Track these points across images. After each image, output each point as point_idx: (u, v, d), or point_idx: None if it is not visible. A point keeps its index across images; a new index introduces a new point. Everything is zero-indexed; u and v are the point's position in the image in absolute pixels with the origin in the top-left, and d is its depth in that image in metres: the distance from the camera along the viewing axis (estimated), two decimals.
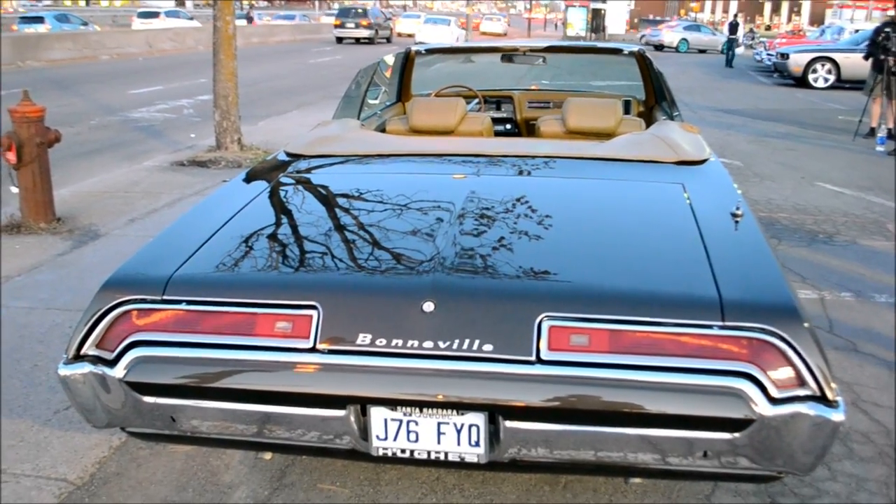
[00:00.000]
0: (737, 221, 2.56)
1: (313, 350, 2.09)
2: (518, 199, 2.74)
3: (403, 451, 2.17)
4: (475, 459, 2.16)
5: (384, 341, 2.07)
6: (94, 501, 2.69)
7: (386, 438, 2.16)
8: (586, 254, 2.42)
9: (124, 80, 16.72)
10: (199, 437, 2.30)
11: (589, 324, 2.06)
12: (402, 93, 5.38)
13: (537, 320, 2.06)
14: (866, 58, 10.78)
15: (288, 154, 3.37)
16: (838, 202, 7.13)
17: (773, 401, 1.94)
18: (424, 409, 2.12)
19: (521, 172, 3.08)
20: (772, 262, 2.33)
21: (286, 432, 2.20)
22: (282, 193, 2.95)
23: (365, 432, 2.16)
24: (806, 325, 2.01)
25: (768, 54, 22.28)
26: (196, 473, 2.86)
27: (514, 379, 2.04)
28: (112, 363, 2.17)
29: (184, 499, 2.72)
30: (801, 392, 1.96)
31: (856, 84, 16.34)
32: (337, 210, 2.76)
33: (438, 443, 2.15)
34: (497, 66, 6.08)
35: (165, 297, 2.19)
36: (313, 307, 2.12)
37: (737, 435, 2.00)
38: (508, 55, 5.11)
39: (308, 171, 3.18)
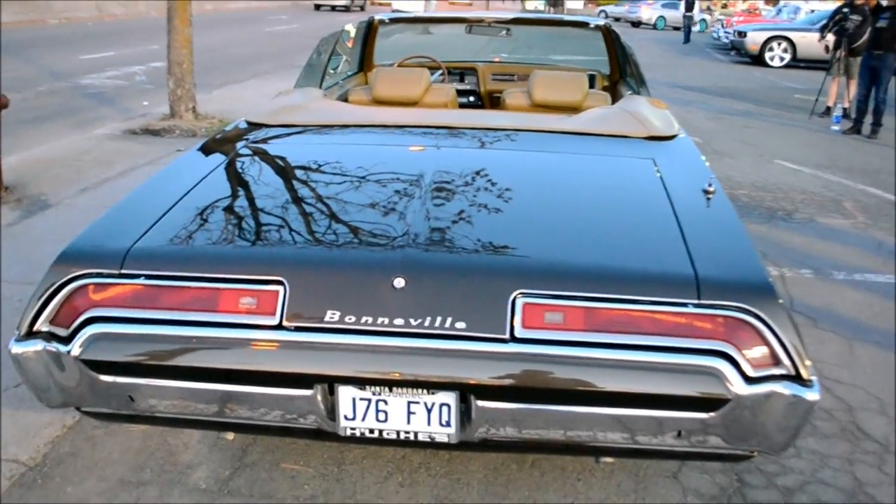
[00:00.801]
0: (709, 198, 2.53)
1: (279, 327, 2.01)
2: (487, 174, 2.67)
3: (372, 431, 2.11)
4: (445, 439, 2.11)
5: (353, 318, 2.00)
6: (47, 482, 2.59)
7: (354, 418, 2.10)
8: (559, 230, 2.37)
9: (74, 45, 16.18)
10: (158, 417, 2.21)
11: (563, 301, 2.01)
12: (365, 63, 5.26)
13: (511, 297, 2.00)
14: (820, 38, 10.91)
15: (249, 123, 3.25)
16: (796, 180, 7.20)
17: (749, 380, 1.92)
18: (394, 389, 2.06)
19: (488, 146, 3.01)
20: (745, 239, 2.30)
21: (249, 412, 2.12)
22: (243, 164, 2.84)
23: (332, 412, 2.09)
24: (780, 302, 1.99)
25: (725, 32, 22.41)
26: (154, 453, 2.77)
27: (487, 357, 1.99)
28: (67, 340, 2.06)
29: (141, 479, 2.63)
30: (777, 371, 1.94)
31: (811, 63, 16.55)
32: (302, 182, 2.67)
33: (408, 423, 2.10)
34: (456, 38, 5.98)
35: (124, 271, 2.09)
36: (279, 282, 2.04)
37: (712, 414, 1.98)
38: (473, 26, 5.02)
39: (270, 140, 3.06)
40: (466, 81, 5.38)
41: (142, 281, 2.08)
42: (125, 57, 14.32)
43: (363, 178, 2.63)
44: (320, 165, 2.78)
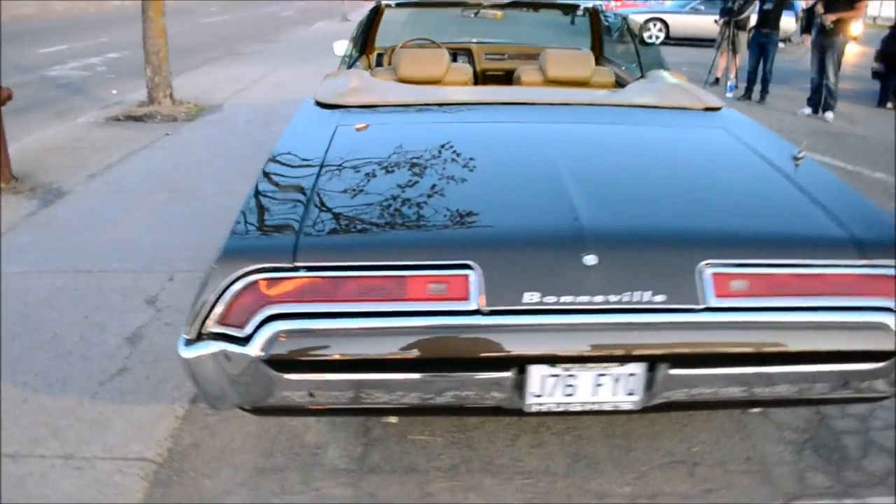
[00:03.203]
0: (800, 164, 2.30)
1: (476, 312, 1.67)
2: (606, 147, 2.36)
3: (558, 405, 1.81)
4: (630, 407, 1.84)
5: (552, 298, 1.68)
6: (183, 478, 2.17)
7: (541, 395, 1.79)
8: (711, 199, 2.07)
9: (28, 40, 14.52)
10: (335, 409, 1.84)
11: (746, 269, 1.76)
12: (368, 46, 4.80)
13: (698, 267, 1.73)
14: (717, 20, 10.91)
15: (321, 104, 2.81)
16: None
17: None
18: (585, 363, 1.75)
19: (575, 120, 2.67)
20: (868, 201, 2.11)
21: (432, 396, 1.78)
22: (361, 146, 2.36)
23: (520, 390, 1.77)
24: None
25: (605, 16, 22.42)
26: (276, 436, 2.37)
27: (684, 328, 1.72)
28: (245, 340, 1.66)
29: (276, 465, 2.24)
30: None
31: (680, 41, 16.71)
32: (441, 163, 2.24)
33: (594, 394, 1.80)
34: (440, 23, 5.59)
35: (298, 264, 1.68)
36: (468, 266, 1.69)
37: (881, 365, 1.79)
38: (472, 8, 4.64)
39: (371, 122, 2.59)
40: (460, 61, 5.00)
41: (320, 273, 1.68)
42: (80, 50, 12.99)
43: (495, 156, 2.26)
44: (443, 145, 2.36)
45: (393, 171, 2.14)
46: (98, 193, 4.77)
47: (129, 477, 2.13)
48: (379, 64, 4.64)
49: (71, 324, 3.00)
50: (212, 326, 1.68)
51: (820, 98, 8.12)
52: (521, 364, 1.73)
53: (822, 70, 7.98)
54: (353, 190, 1.98)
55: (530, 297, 1.68)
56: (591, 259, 1.71)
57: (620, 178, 2.11)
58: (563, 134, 2.44)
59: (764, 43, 9.09)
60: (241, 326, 1.67)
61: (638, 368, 1.77)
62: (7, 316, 3.04)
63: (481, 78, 4.98)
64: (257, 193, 2.03)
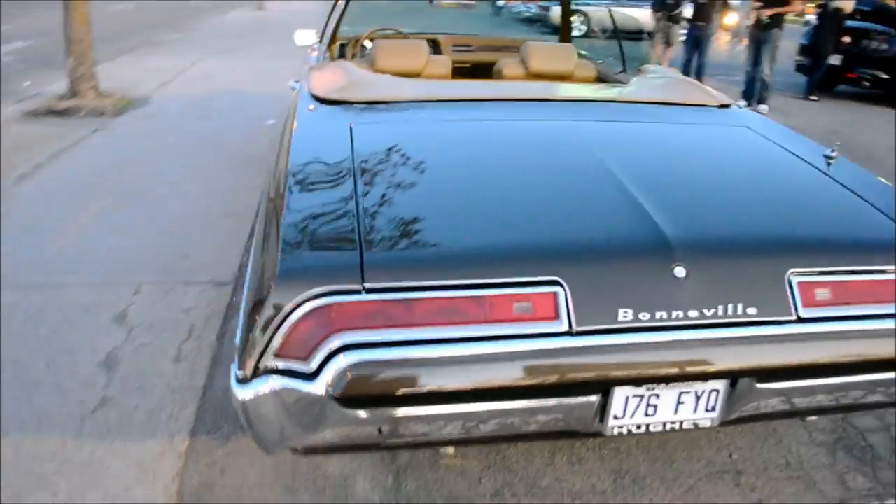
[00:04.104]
0: (830, 163, 2.26)
1: (568, 333, 1.52)
2: (650, 147, 2.23)
3: (639, 426, 1.68)
4: (708, 424, 1.73)
5: (646, 315, 1.54)
6: None
7: (623, 416, 1.66)
8: (782, 203, 1.95)
9: None
10: (399, 444, 1.64)
11: (833, 276, 1.68)
12: (333, 37, 4.54)
13: (787, 276, 1.64)
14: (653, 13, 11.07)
15: (321, 100, 2.56)
16: None
17: None
18: (670, 382, 1.63)
19: (592, 118, 2.52)
20: None
21: (509, 425, 1.62)
22: (394, 147, 2.12)
23: (603, 412, 1.64)
24: None
25: (527, 7, 22.54)
26: (295, 469, 2.14)
27: (777, 340, 1.62)
28: (311, 375, 1.44)
29: (303, 499, 2.03)
30: None
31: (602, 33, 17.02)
32: (489, 165, 2.04)
33: (675, 413, 1.68)
34: (398, 15, 5.40)
35: (367, 286, 1.48)
36: (556, 283, 1.53)
37: None
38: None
39: (383, 119, 2.37)
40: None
41: (391, 295, 1.48)
42: None
43: (537, 156, 2.10)
44: (481, 145, 2.17)
45: (438, 176, 1.94)
46: (33, 197, 4.32)
47: None
48: (342, 55, 4.39)
49: (32, 349, 2.65)
50: (269, 361, 1.45)
51: (754, 91, 8.35)
52: (609, 386, 1.59)
53: (756, 63, 8.21)
54: (405, 198, 1.77)
55: (624, 315, 1.54)
56: (681, 271, 1.58)
57: (680, 182, 1.98)
58: (597, 133, 2.30)
59: (699, 36, 9.28)
60: (304, 359, 1.45)
61: (720, 384, 1.66)
62: None
63: (453, 71, 4.80)
64: (295, 205, 1.75)
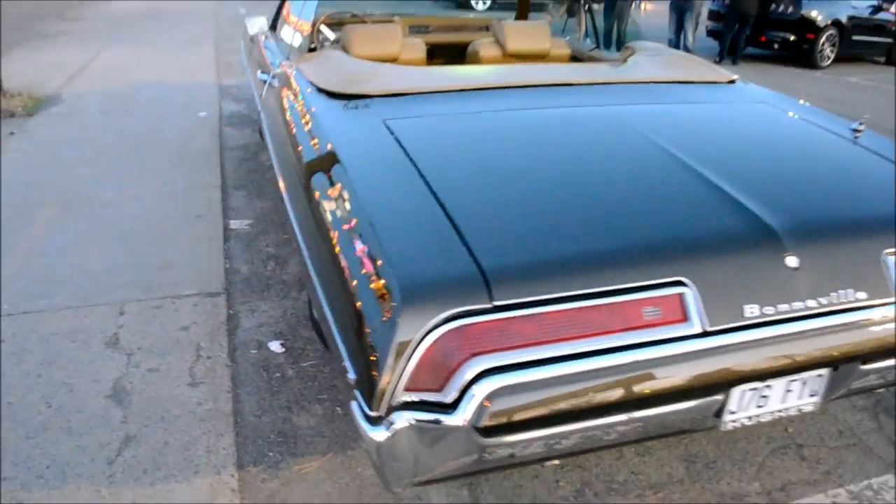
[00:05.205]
0: (856, 138, 2.29)
1: (704, 334, 1.46)
2: (697, 130, 2.19)
3: (750, 418, 1.66)
4: (811, 408, 1.72)
5: (770, 308, 1.51)
6: None
7: (737, 411, 1.62)
8: (852, 181, 1.95)
9: None
10: (522, 463, 1.54)
11: None
12: (276, 21, 4.29)
13: (881, 257, 1.64)
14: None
15: (332, 94, 2.38)
16: None
17: None
18: (785, 374, 1.61)
19: (619, 102, 2.44)
20: None
21: (635, 429, 1.55)
22: (445, 143, 1.98)
23: (720, 409, 1.60)
24: None
25: None
26: (360, 491, 2.01)
27: (883, 322, 1.62)
28: (450, 407, 1.32)
29: None
30: None
31: (506, 6, 17.08)
32: (554, 159, 1.93)
33: (783, 401, 1.67)
34: None
35: (497, 303, 1.36)
36: (680, 283, 1.47)
37: None
38: None
39: (414, 113, 2.21)
40: None
41: (521, 311, 1.37)
42: None
43: (598, 147, 2.01)
44: (533, 137, 2.05)
45: (513, 174, 1.81)
46: None
47: None
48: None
49: (24, 388, 2.37)
50: (401, 394, 1.32)
51: None
52: (734, 384, 1.55)
53: (678, 30, 8.39)
54: (493, 200, 1.65)
55: (751, 311, 1.49)
56: (793, 260, 1.56)
57: (750, 166, 1.95)
58: (641, 118, 2.23)
59: (683, 8, 9.30)
60: (438, 389, 1.32)
61: (825, 369, 1.66)
62: None
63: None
64: (383, 220, 1.57)
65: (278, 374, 2.50)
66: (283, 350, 2.64)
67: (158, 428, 2.20)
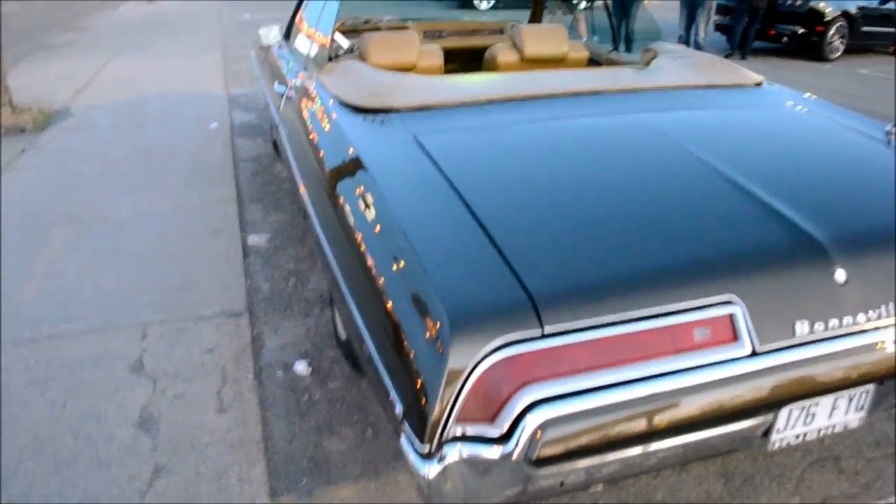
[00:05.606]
0: (890, 140, 2.26)
1: (754, 354, 1.43)
2: (732, 138, 2.15)
3: (797, 436, 1.63)
4: (856, 424, 1.70)
5: (821, 325, 1.48)
6: None
7: (784, 429, 1.59)
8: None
9: None
10: (569, 490, 1.52)
11: None
12: (291, 30, 4.27)
13: None
14: None
15: (357, 108, 2.35)
16: None
17: None
18: (833, 391, 1.58)
19: (647, 110, 2.40)
20: None
21: (678, 455, 1.53)
22: (478, 159, 1.95)
23: (768, 428, 1.57)
24: None
25: None
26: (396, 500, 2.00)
27: None
28: (502, 439, 1.30)
29: None
30: None
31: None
32: (591, 173, 1.91)
33: (830, 418, 1.64)
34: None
35: (547, 331, 1.34)
36: (729, 302, 1.44)
37: None
38: None
39: (444, 127, 2.18)
40: None
41: (571, 337, 1.35)
42: None
43: (638, 159, 1.98)
44: (567, 150, 2.03)
45: (552, 190, 1.78)
46: None
47: None
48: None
49: (50, 418, 2.36)
50: (452, 427, 1.30)
51: None
52: (783, 404, 1.52)
53: (689, 25, 8.33)
54: (535, 219, 1.62)
55: (801, 328, 1.46)
56: (841, 275, 1.53)
57: (791, 176, 1.92)
58: (674, 126, 2.20)
59: (694, 4, 9.20)
60: (489, 421, 1.30)
61: (870, 384, 1.63)
62: None
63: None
64: (423, 244, 1.54)
65: (306, 397, 2.48)
66: (310, 370, 2.62)
67: (189, 457, 2.19)
